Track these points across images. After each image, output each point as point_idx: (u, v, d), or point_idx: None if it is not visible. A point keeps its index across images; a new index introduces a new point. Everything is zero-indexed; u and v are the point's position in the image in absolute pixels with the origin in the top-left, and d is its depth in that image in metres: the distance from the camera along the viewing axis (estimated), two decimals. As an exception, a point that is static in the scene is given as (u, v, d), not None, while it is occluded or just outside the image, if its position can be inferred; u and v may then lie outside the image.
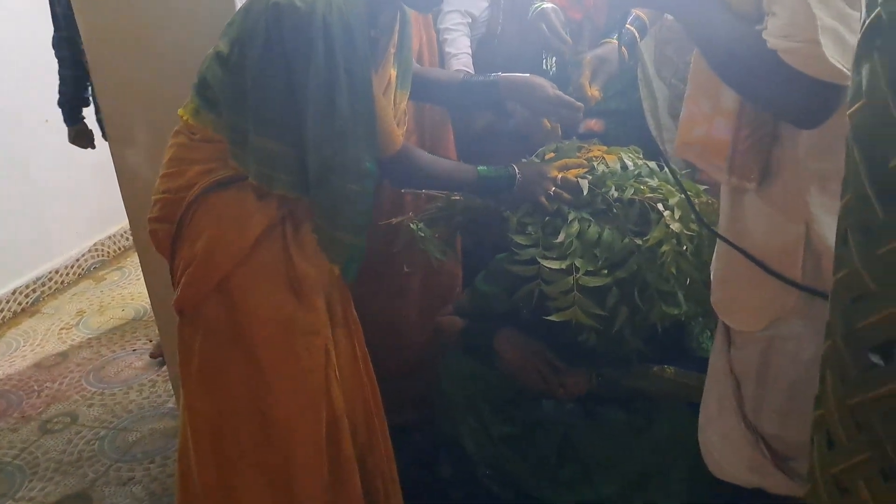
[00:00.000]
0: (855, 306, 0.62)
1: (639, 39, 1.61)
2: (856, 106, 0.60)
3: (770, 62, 0.91)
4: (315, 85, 1.19)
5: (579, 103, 1.49)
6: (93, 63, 1.70)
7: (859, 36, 0.60)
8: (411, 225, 1.55)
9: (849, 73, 0.83)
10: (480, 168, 1.43)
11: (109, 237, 3.62)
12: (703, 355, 1.32)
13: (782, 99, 0.94)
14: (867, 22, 0.59)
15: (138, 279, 3.24)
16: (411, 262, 1.80)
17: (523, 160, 1.53)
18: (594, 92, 1.55)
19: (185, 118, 1.32)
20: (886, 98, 0.56)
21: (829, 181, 0.97)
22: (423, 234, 1.53)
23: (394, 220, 1.60)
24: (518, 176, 1.43)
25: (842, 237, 0.64)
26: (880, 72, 0.57)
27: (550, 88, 1.48)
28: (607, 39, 1.66)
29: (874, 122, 0.58)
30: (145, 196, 1.41)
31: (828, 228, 0.96)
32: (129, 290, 3.28)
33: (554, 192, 1.42)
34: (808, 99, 0.91)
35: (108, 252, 3.62)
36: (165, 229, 1.33)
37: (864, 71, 0.59)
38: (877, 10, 0.57)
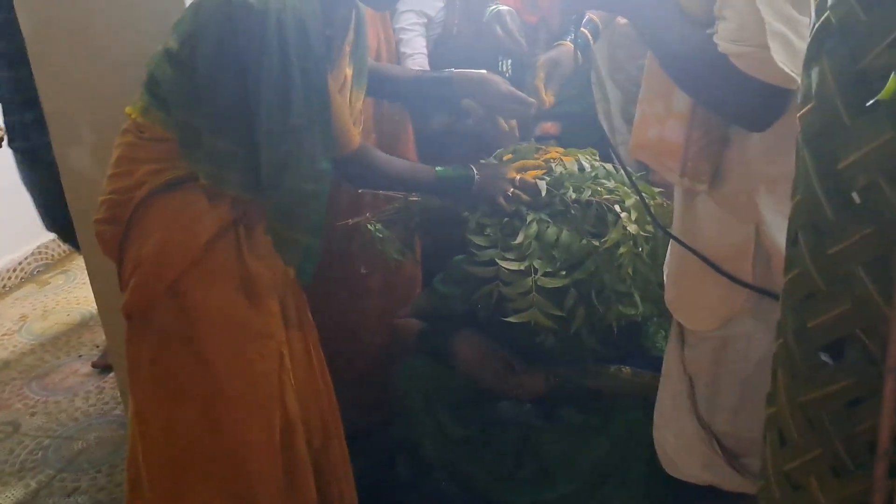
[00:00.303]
0: (805, 305, 0.63)
1: (592, 42, 1.62)
2: (806, 108, 0.61)
3: (720, 65, 0.92)
4: (269, 84, 1.17)
5: (532, 100, 1.50)
6: (35, 59, 1.64)
7: (809, 39, 0.62)
8: (369, 226, 1.53)
9: (796, 78, 0.85)
10: (438, 169, 1.43)
11: (53, 239, 3.48)
12: (659, 355, 1.33)
13: (732, 101, 0.96)
14: (817, 25, 0.60)
15: (84, 283, 3.11)
16: (369, 263, 1.78)
17: (481, 161, 1.53)
18: (548, 97, 1.56)
19: (133, 116, 1.28)
20: (835, 100, 0.57)
21: (778, 183, 0.99)
22: (380, 235, 1.52)
23: (351, 221, 1.58)
24: (476, 177, 1.43)
25: (792, 237, 0.65)
26: (829, 74, 0.58)
27: (503, 84, 1.49)
28: (560, 42, 1.67)
29: (824, 124, 0.59)
30: (91, 197, 1.37)
31: (777, 229, 0.98)
32: (75, 295, 3.16)
33: (512, 193, 1.42)
34: (757, 102, 0.93)
35: (53, 255, 3.49)
36: (113, 231, 1.29)
37: (814, 74, 0.60)
38: (826, 14, 0.58)
